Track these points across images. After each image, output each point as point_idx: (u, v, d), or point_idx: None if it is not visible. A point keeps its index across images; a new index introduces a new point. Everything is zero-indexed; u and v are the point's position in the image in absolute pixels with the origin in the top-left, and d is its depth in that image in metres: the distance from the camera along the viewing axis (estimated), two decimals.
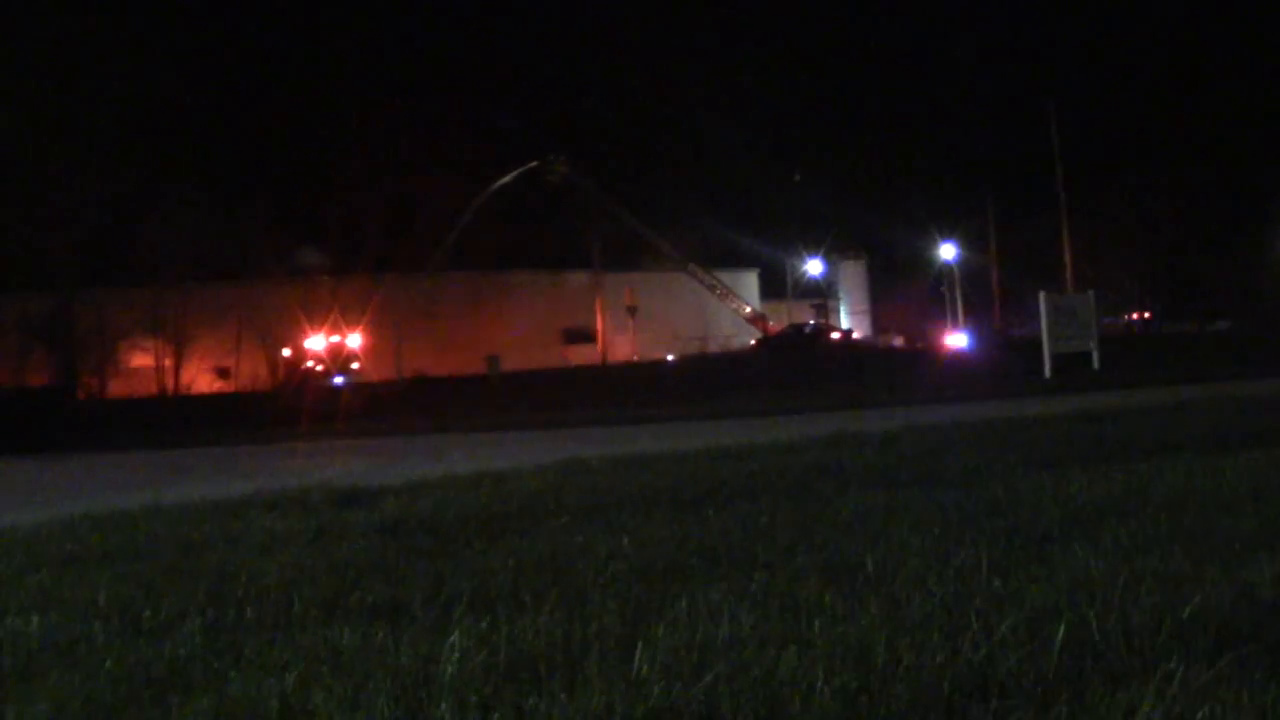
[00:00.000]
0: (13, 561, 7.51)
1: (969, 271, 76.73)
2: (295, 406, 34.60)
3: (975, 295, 75.92)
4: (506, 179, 76.56)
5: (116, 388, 54.12)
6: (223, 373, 62.03)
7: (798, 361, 53.88)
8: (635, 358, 70.01)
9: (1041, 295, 29.79)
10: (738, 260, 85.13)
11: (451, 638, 4.60)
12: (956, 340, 61.64)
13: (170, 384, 57.25)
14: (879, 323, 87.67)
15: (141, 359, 58.16)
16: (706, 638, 4.39)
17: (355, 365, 60.24)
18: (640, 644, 4.29)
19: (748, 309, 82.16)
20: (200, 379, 60.36)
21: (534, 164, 78.11)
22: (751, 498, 8.36)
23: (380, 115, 71.27)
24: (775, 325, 77.27)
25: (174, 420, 34.10)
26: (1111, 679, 3.73)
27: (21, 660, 4.93)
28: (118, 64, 44.76)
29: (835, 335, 68.86)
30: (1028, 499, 7.45)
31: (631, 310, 72.98)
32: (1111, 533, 6.09)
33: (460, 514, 8.45)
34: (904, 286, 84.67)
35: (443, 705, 3.86)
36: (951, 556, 5.70)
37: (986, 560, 5.51)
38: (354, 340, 61.87)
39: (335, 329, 61.40)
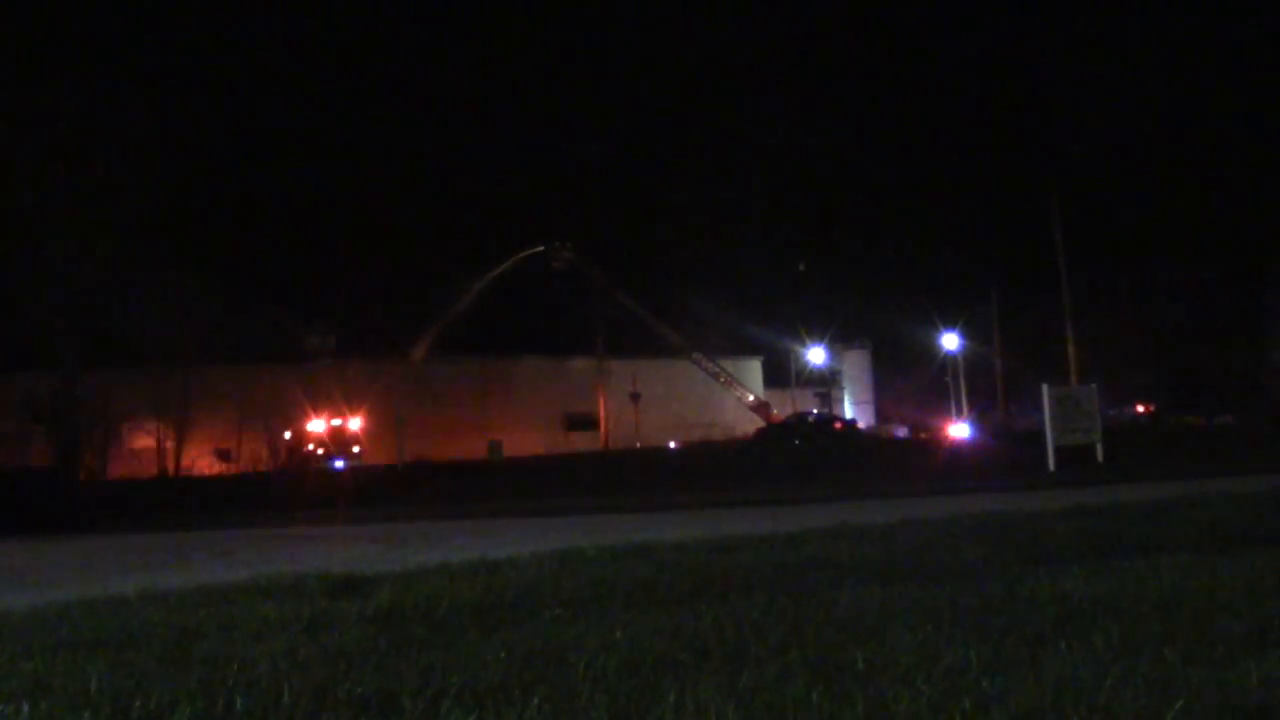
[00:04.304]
0: (5, 648, 7.49)
1: (973, 361, 76.97)
2: (295, 490, 34.61)
3: (979, 385, 76.05)
4: (508, 264, 77.37)
5: (117, 469, 54.12)
6: (224, 455, 62.07)
7: (801, 450, 53.90)
8: (638, 444, 69.96)
9: (1044, 387, 29.68)
10: (742, 348, 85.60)
11: None
12: (959, 431, 61.67)
13: (171, 466, 57.26)
14: (882, 412, 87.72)
15: (143, 440, 58.28)
16: None
17: (356, 449, 60.30)
18: None
19: (751, 397, 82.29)
20: (201, 461, 60.41)
21: (539, 249, 78.95)
22: (746, 591, 8.34)
23: (385, 201, 72.23)
24: (779, 414, 77.33)
25: (174, 502, 34.05)
26: None
27: None
28: (125, 148, 45.44)
29: (838, 424, 68.83)
30: (1023, 596, 7.43)
31: (635, 397, 73.11)
32: (1103, 633, 6.08)
33: (455, 603, 8.42)
34: (907, 376, 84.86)
35: None
36: (942, 655, 5.69)
37: (977, 659, 5.51)
38: (355, 424, 62.02)
39: (336, 413, 61.57)
